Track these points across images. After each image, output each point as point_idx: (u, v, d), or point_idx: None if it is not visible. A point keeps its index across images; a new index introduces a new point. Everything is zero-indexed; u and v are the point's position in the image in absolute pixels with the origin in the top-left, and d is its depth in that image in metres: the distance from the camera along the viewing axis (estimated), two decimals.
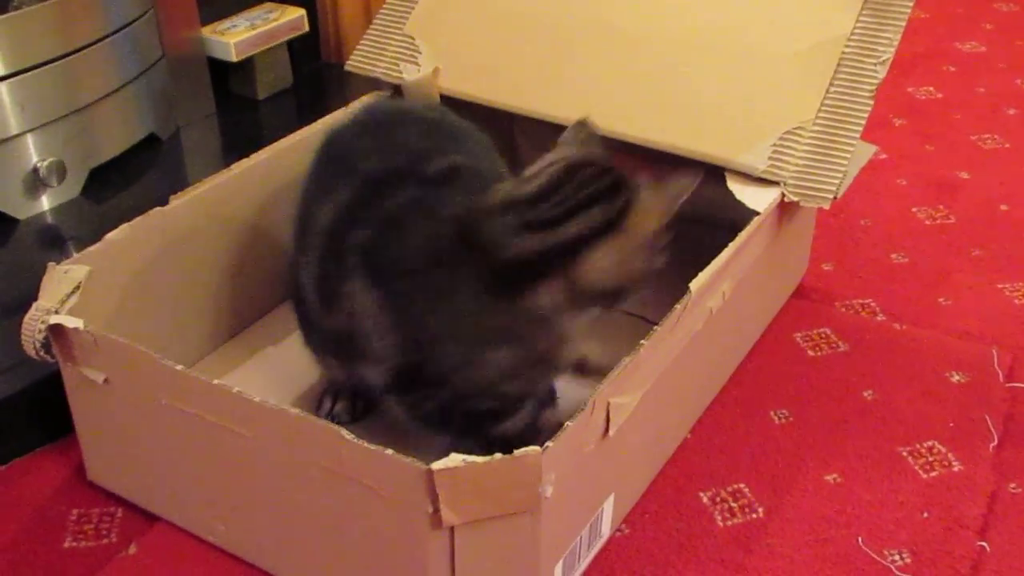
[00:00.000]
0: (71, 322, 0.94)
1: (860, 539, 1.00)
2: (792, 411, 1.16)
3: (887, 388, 1.20)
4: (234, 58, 1.61)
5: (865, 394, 1.19)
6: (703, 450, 1.11)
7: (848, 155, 1.15)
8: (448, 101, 1.35)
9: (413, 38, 1.37)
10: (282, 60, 1.71)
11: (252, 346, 1.23)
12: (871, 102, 1.17)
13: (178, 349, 1.13)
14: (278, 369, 1.19)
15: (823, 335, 1.28)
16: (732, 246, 1.05)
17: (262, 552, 0.96)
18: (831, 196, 1.13)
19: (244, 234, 1.21)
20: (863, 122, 1.16)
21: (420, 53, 1.36)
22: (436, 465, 0.78)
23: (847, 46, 1.20)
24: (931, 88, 1.97)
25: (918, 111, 1.89)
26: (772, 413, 1.16)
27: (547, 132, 1.49)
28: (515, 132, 1.56)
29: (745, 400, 1.18)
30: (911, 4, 1.20)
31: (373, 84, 1.38)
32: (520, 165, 1.58)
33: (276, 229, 1.25)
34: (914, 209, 1.58)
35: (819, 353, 1.26)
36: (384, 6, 1.42)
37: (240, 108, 1.68)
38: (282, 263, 1.27)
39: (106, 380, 0.96)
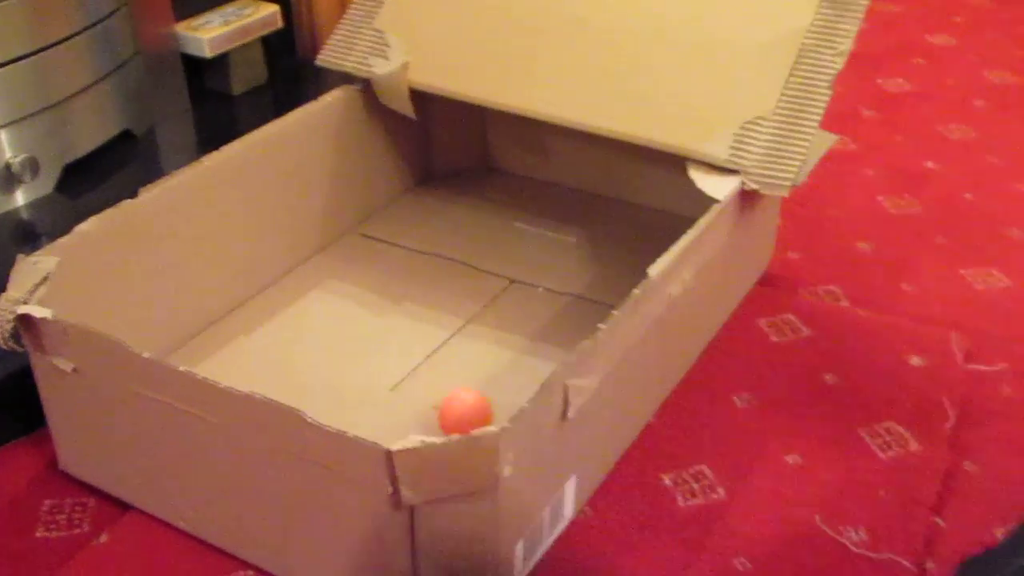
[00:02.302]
0: (39, 312, 0.95)
1: (818, 518, 1.03)
2: (755, 395, 1.19)
3: (848, 371, 1.22)
4: (208, 54, 1.62)
5: (826, 377, 1.21)
6: (666, 433, 1.13)
7: (807, 144, 1.17)
8: (418, 95, 1.37)
9: (383, 32, 1.39)
10: (257, 56, 1.72)
11: (224, 337, 1.24)
12: (830, 92, 1.19)
13: (149, 340, 1.14)
14: (250, 359, 1.21)
15: (787, 321, 1.31)
16: (691, 233, 1.07)
17: (230, 536, 0.98)
18: (790, 183, 1.15)
19: (214, 225, 1.23)
20: (822, 111, 1.18)
21: (389, 47, 1.38)
22: (395, 446, 0.80)
23: (806, 38, 1.22)
24: (901, 80, 2.00)
25: (887, 103, 1.91)
26: (735, 397, 1.18)
27: (518, 126, 1.52)
28: (486, 126, 1.58)
29: (709, 385, 1.20)
30: None
31: (347, 80, 1.40)
32: (492, 159, 1.61)
33: (246, 221, 1.27)
34: (880, 198, 1.60)
35: (783, 338, 1.28)
36: (355, 1, 1.44)
37: (215, 104, 1.69)
38: (252, 254, 1.29)
39: (75, 369, 0.97)
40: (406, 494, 0.82)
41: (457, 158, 1.58)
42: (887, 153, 1.74)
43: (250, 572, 0.97)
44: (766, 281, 1.39)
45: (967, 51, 2.13)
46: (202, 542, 1.00)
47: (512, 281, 1.34)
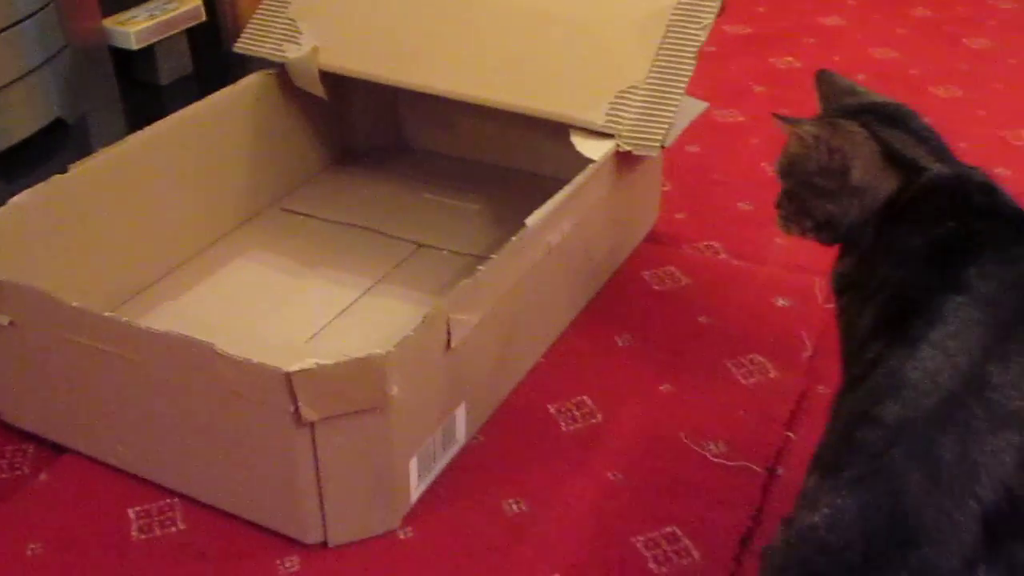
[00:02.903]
0: None
1: (683, 435, 1.16)
2: (635, 336, 1.32)
3: (720, 313, 1.36)
4: (135, 46, 1.73)
5: (700, 319, 1.35)
6: (553, 371, 1.26)
7: (674, 110, 1.30)
8: (333, 78, 1.48)
9: (295, 20, 1.51)
10: (182, 48, 1.83)
11: (152, 301, 1.35)
12: (694, 62, 1.33)
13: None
14: (177, 320, 1.31)
15: (668, 272, 1.44)
16: (567, 189, 1.20)
17: (156, 467, 1.10)
18: (659, 145, 1.28)
19: (141, 199, 1.34)
20: (687, 80, 1.32)
21: (301, 34, 1.49)
22: (292, 368, 0.92)
23: (673, 14, 1.35)
24: (791, 58, 2.15)
25: (777, 79, 2.06)
26: (617, 338, 1.32)
27: (427, 105, 1.64)
28: (398, 106, 1.70)
29: (594, 328, 1.33)
30: None
31: (266, 66, 1.51)
32: (404, 137, 1.72)
33: (171, 195, 1.38)
34: (763, 164, 1.74)
35: (664, 287, 1.41)
36: None
37: (143, 93, 1.80)
38: (178, 226, 1.40)
39: (11, 323, 1.08)
40: (305, 411, 0.94)
41: (372, 137, 1.70)
42: (773, 125, 1.87)
43: (175, 499, 1.09)
44: (652, 238, 1.52)
45: (855, 31, 2.28)
46: (132, 475, 1.11)
47: (420, 245, 1.47)
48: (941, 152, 0.95)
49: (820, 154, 0.95)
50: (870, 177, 0.93)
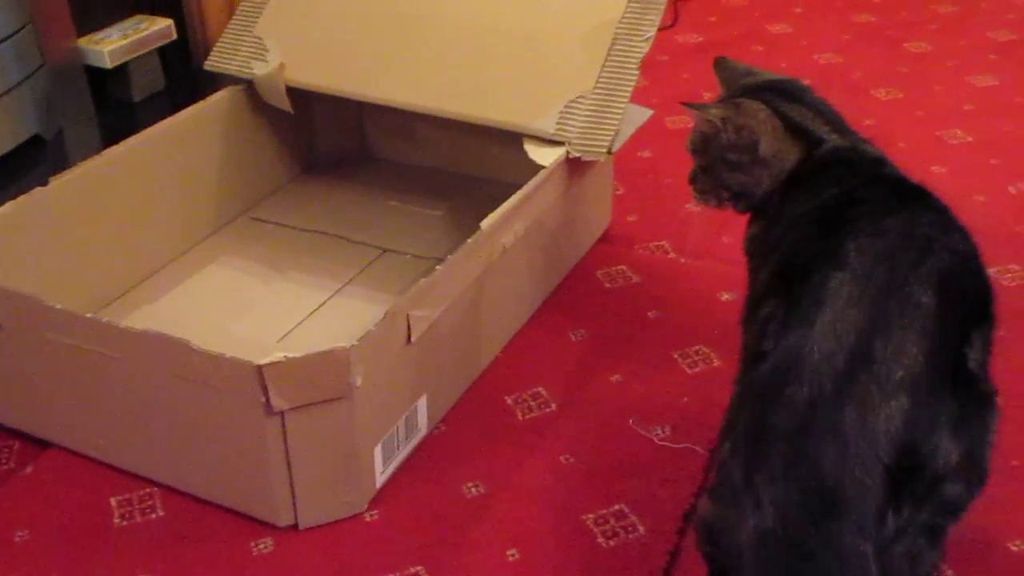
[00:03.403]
0: None
1: (631, 420, 1.24)
2: (588, 330, 1.40)
3: (669, 308, 1.44)
4: (109, 65, 1.80)
5: (650, 314, 1.43)
6: (511, 364, 1.34)
7: (619, 117, 1.39)
8: (299, 93, 1.56)
9: (262, 38, 1.58)
10: (154, 65, 1.91)
11: (130, 306, 1.42)
12: (638, 72, 1.41)
13: None
14: (154, 323, 1.38)
15: (620, 271, 1.53)
16: (520, 192, 1.29)
17: (136, 458, 1.17)
18: (606, 150, 1.37)
19: (118, 210, 1.41)
20: (631, 88, 1.40)
21: (268, 51, 1.57)
22: (262, 360, 0.99)
23: (618, 28, 1.44)
24: None
25: None
26: (571, 333, 1.40)
27: (391, 117, 1.72)
28: (364, 119, 1.78)
29: (549, 324, 1.41)
30: None
31: (235, 84, 1.59)
32: (369, 148, 1.80)
33: (146, 206, 1.45)
34: None
35: (615, 285, 1.50)
36: (237, 11, 1.63)
37: (117, 110, 1.87)
38: (153, 235, 1.47)
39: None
40: (276, 401, 1.01)
41: (338, 148, 1.77)
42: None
43: (155, 488, 1.16)
44: (606, 239, 1.61)
45: (801, 37, 2.38)
46: (114, 467, 1.18)
47: (384, 250, 1.54)
48: (837, 123, 1.05)
49: (729, 133, 1.04)
50: (775, 149, 1.03)
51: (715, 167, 1.07)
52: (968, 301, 0.89)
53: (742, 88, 1.09)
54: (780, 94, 1.06)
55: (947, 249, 0.89)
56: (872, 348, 0.83)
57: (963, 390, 0.85)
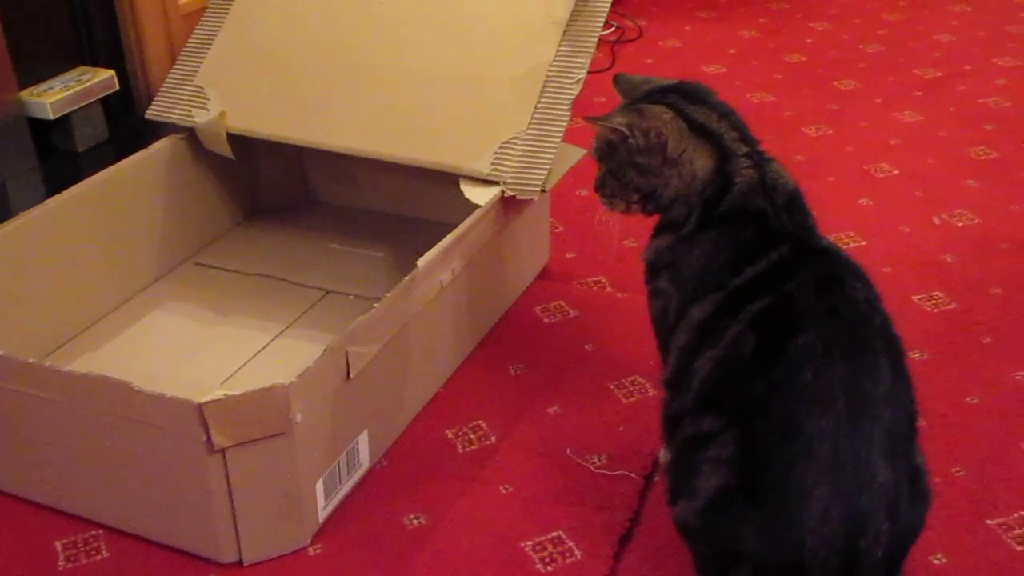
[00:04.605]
0: None
1: (569, 450, 1.28)
2: (526, 364, 1.44)
3: (605, 341, 1.48)
4: (51, 116, 1.82)
5: (587, 347, 1.47)
6: (452, 399, 1.37)
7: (552, 156, 1.43)
8: (241, 140, 1.59)
9: (202, 87, 1.62)
10: (97, 116, 1.93)
11: (74, 354, 1.44)
12: (569, 113, 1.46)
13: None
14: (96, 368, 1.40)
15: (558, 306, 1.57)
16: (456, 231, 1.32)
17: (81, 500, 1.18)
18: (539, 189, 1.41)
19: (61, 258, 1.43)
20: (563, 128, 1.45)
21: (208, 99, 1.60)
22: (203, 399, 1.02)
23: (550, 70, 1.49)
24: None
25: None
26: (510, 367, 1.43)
27: (332, 162, 1.76)
28: (305, 164, 1.82)
29: (489, 360, 1.45)
30: (597, 35, 1.50)
31: (177, 132, 1.62)
32: (311, 192, 1.83)
33: (89, 253, 1.47)
34: None
35: (553, 319, 1.54)
36: (177, 61, 1.66)
37: (61, 160, 1.88)
38: (97, 282, 1.49)
39: None
40: (217, 438, 1.04)
41: (280, 193, 1.80)
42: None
43: (100, 530, 1.18)
44: (545, 276, 1.65)
45: (735, 78, 2.45)
46: (59, 511, 1.20)
47: (327, 292, 1.57)
48: (739, 126, 1.09)
49: (637, 139, 1.08)
50: (682, 150, 1.06)
51: (623, 171, 1.10)
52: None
53: (644, 94, 1.13)
54: (684, 96, 1.10)
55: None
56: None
57: None
